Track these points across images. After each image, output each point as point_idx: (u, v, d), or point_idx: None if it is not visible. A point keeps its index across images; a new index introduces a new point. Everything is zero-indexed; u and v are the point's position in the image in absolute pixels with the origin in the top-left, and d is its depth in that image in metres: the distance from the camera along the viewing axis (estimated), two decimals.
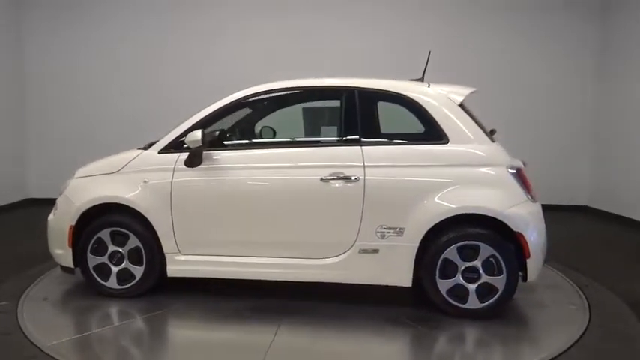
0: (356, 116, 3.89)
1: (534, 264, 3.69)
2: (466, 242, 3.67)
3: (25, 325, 3.60)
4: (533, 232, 3.66)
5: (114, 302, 4.03)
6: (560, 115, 7.79)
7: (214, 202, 3.91)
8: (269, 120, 4.48)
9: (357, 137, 3.86)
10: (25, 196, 8.10)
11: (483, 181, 3.71)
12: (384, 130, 4.16)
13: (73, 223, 4.04)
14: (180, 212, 3.93)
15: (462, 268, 3.70)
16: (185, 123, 4.00)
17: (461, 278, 3.71)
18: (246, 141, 4.34)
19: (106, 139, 7.07)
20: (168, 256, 4.00)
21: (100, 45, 7.81)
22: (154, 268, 4.02)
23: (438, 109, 3.83)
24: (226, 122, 4.18)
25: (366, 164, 3.77)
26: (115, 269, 4.07)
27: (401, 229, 3.72)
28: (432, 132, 3.84)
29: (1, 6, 7.53)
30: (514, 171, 3.75)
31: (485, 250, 3.66)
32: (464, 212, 3.64)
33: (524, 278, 3.74)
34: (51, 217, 4.24)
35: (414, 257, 3.72)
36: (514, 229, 3.63)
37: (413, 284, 3.77)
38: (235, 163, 3.93)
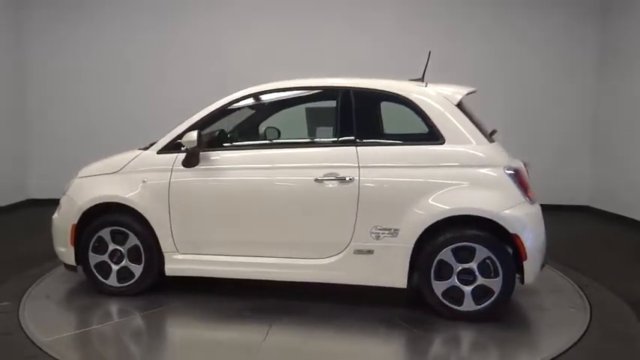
0: (351, 116, 3.88)
1: (531, 266, 3.63)
2: (461, 244, 3.63)
3: (27, 325, 3.65)
4: (530, 234, 3.60)
5: (113, 300, 4.10)
6: (561, 114, 7.76)
7: (211, 202, 3.94)
8: (268, 120, 4.51)
9: (352, 137, 3.85)
10: (27, 197, 8.11)
11: (479, 182, 3.66)
12: (380, 130, 4.14)
13: (75, 222, 4.12)
14: (178, 212, 3.98)
15: (458, 270, 3.65)
16: (183, 124, 4.05)
17: (456, 280, 3.67)
18: (244, 141, 4.37)
19: (108, 139, 7.11)
20: (166, 255, 4.05)
21: (101, 45, 7.83)
22: (153, 267, 4.08)
23: (434, 109, 3.80)
24: (226, 123, 4.22)
25: (360, 165, 3.76)
26: (115, 268, 4.14)
27: (395, 230, 3.69)
28: (428, 132, 3.81)
29: (2, 6, 7.54)
30: (511, 172, 3.69)
31: (481, 252, 3.61)
32: (458, 213, 3.60)
33: (522, 281, 3.68)
34: (55, 215, 4.34)
35: (408, 258, 3.69)
36: (510, 231, 3.57)
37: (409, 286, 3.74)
38: (232, 164, 3.96)
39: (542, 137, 7.69)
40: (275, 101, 4.39)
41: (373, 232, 3.73)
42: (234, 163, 3.96)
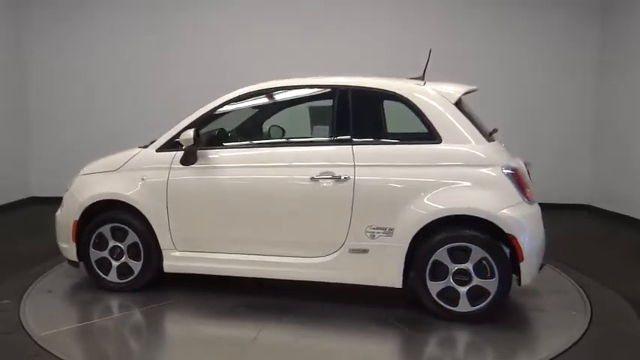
0: (348, 115, 3.86)
1: (528, 268, 3.57)
2: (457, 244, 3.58)
3: (27, 322, 3.68)
4: (527, 235, 3.54)
5: (114, 296, 4.17)
6: (561, 114, 7.72)
7: (207, 200, 3.97)
8: (265, 118, 4.52)
9: (349, 136, 3.83)
10: (28, 195, 8.12)
11: (476, 182, 3.61)
12: (377, 129, 4.11)
13: (77, 219, 4.20)
14: (176, 209, 4.02)
15: (453, 270, 3.61)
16: (181, 122, 4.08)
17: (452, 281, 3.63)
18: (241, 140, 4.39)
19: (109, 138, 7.09)
20: (164, 252, 4.10)
21: (101, 44, 7.83)
22: (152, 264, 4.13)
23: (431, 108, 3.76)
24: (223, 121, 4.24)
25: (356, 164, 3.74)
26: (115, 264, 4.20)
27: (390, 229, 3.67)
28: (425, 131, 3.77)
29: (2, 6, 7.54)
30: (509, 171, 3.63)
31: (477, 253, 3.56)
32: (452, 213, 3.56)
33: (520, 282, 3.63)
34: (58, 212, 4.42)
35: (403, 258, 3.65)
36: (506, 232, 3.52)
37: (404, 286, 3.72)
38: (228, 162, 3.98)
39: (542, 136, 7.67)
40: (272, 100, 4.38)
41: (368, 232, 3.71)
42: (231, 162, 3.98)
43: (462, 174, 3.64)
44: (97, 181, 4.22)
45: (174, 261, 4.09)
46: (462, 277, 3.60)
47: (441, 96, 3.80)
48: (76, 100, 7.98)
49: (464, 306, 3.62)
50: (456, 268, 3.60)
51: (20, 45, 7.88)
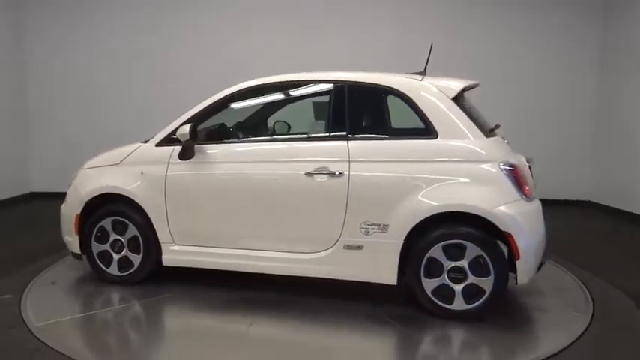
0: (344, 110, 3.84)
1: (525, 266, 3.49)
2: (451, 241, 3.53)
3: (28, 316, 3.70)
4: (524, 233, 3.46)
5: (115, 288, 4.23)
6: (563, 111, 7.69)
7: (204, 194, 4.00)
8: (263, 114, 4.52)
9: (344, 131, 3.80)
10: (29, 190, 8.13)
11: (472, 178, 3.55)
12: (374, 124, 4.07)
13: (79, 212, 4.27)
14: (174, 204, 4.05)
15: (448, 267, 3.56)
16: (180, 117, 4.12)
17: (447, 278, 3.58)
18: (239, 135, 4.40)
19: (109, 135, 7.14)
20: (163, 246, 4.14)
21: (101, 43, 7.86)
22: (151, 257, 4.18)
23: (427, 103, 3.70)
24: (222, 117, 4.25)
25: (351, 159, 3.71)
26: (116, 257, 4.26)
27: (385, 225, 3.63)
28: (421, 126, 3.72)
29: (2, 6, 7.56)
30: (507, 168, 3.56)
31: (472, 250, 3.50)
32: (446, 210, 3.50)
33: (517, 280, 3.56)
34: (63, 206, 4.50)
35: (398, 255, 3.62)
36: (502, 229, 3.45)
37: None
38: (225, 157, 4.00)
39: (544, 133, 7.64)
40: (270, 95, 4.38)
41: (363, 228, 3.68)
42: (227, 157, 4.00)
43: (459, 170, 3.58)
44: (98, 175, 4.29)
45: (173, 255, 4.13)
46: (458, 274, 3.55)
47: (438, 90, 3.74)
48: (76, 99, 8.01)
49: (459, 304, 3.57)
50: (451, 265, 3.55)
51: (20, 45, 7.90)
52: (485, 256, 3.48)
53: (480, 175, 3.55)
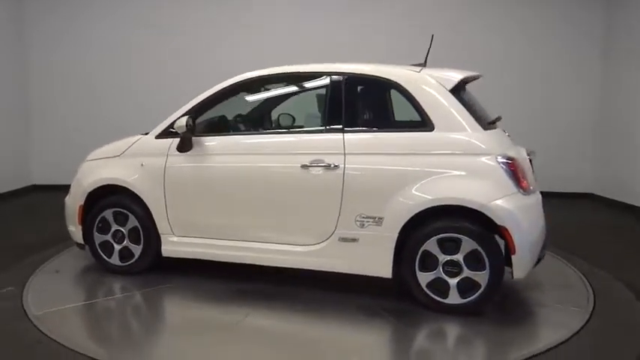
0: (340, 102, 3.81)
1: (522, 261, 3.44)
2: (446, 235, 3.50)
3: (29, 308, 3.70)
4: (520, 227, 3.41)
5: (116, 278, 4.29)
6: (565, 102, 7.64)
7: (201, 186, 4.03)
8: (261, 106, 4.52)
9: (340, 123, 3.78)
10: (30, 182, 8.15)
11: (469, 171, 3.50)
12: (370, 116, 4.04)
13: (82, 203, 4.35)
14: (172, 195, 4.09)
15: (443, 261, 3.53)
16: (180, 109, 4.14)
17: (441, 272, 3.54)
18: (236, 127, 4.42)
19: (110, 126, 7.20)
20: (163, 237, 4.19)
21: (102, 33, 7.89)
22: (151, 248, 4.23)
23: (424, 95, 3.65)
24: (221, 109, 4.26)
25: (346, 152, 3.70)
26: (117, 247, 4.33)
27: (380, 218, 3.61)
28: (418, 118, 3.68)
29: (3, 0, 7.56)
30: (504, 160, 3.50)
31: (467, 244, 3.46)
32: (441, 203, 3.47)
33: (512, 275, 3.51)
34: (67, 197, 4.58)
35: (393, 248, 3.60)
36: (498, 223, 3.40)
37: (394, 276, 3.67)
38: (222, 149, 4.01)
39: (546, 125, 7.58)
40: (267, 87, 4.38)
41: (358, 220, 3.67)
42: (225, 149, 4.01)
43: (455, 163, 3.53)
44: (100, 167, 4.36)
45: (172, 246, 4.18)
46: (453, 268, 3.51)
47: (435, 82, 3.69)
48: (77, 93, 8.04)
49: (454, 298, 3.54)
50: (446, 259, 3.52)
51: (21, 39, 7.90)
52: (481, 250, 3.44)
53: (477, 168, 3.50)
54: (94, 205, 4.35)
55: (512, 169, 3.50)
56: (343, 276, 3.84)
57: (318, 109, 4.04)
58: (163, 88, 7.64)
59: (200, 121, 4.12)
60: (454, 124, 3.59)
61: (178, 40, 7.83)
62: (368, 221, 3.65)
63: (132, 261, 4.31)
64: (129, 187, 4.19)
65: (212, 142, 4.04)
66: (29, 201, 7.64)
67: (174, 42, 7.83)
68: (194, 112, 4.05)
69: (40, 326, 3.44)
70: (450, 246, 3.51)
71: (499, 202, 3.41)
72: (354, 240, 3.70)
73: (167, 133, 4.14)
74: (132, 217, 4.23)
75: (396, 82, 3.75)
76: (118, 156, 4.30)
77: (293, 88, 4.39)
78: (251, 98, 4.51)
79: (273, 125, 4.51)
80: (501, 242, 3.52)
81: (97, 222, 4.33)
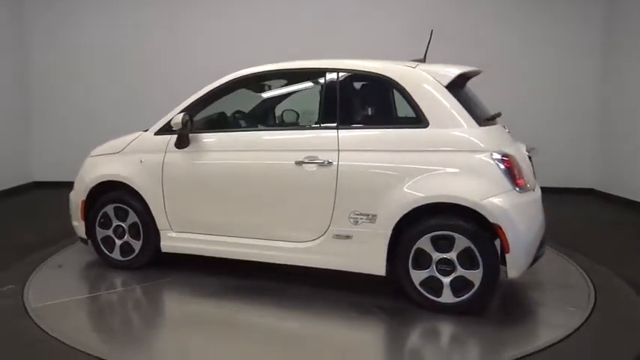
0: (335, 98, 3.79)
1: (515, 260, 3.37)
2: (440, 232, 3.45)
3: (30, 304, 3.73)
4: (515, 225, 3.34)
5: (116, 272, 4.37)
6: (567, 97, 7.57)
7: (197, 182, 4.06)
8: (258, 102, 4.52)
9: (334, 120, 3.76)
10: (31, 179, 8.23)
11: (463, 168, 3.44)
12: (365, 113, 4.01)
13: (84, 198, 4.43)
14: (170, 191, 4.13)
15: (437, 259, 3.48)
16: (179, 106, 4.18)
17: (435, 270, 3.50)
18: (233, 124, 4.43)
19: (111, 123, 7.31)
20: (161, 233, 4.24)
21: (103, 37, 7.97)
22: (150, 243, 4.29)
23: (419, 91, 3.61)
24: (218, 106, 4.28)
25: (340, 148, 3.68)
26: (118, 242, 4.39)
27: (373, 215, 3.59)
28: (412, 115, 3.64)
29: (3, 0, 7.60)
30: (499, 157, 3.43)
31: (461, 242, 3.41)
32: (433, 201, 3.42)
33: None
34: (71, 192, 4.67)
35: (386, 245, 3.57)
36: (491, 221, 3.34)
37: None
38: (219, 146, 4.04)
39: (547, 120, 7.52)
40: (263, 84, 4.39)
41: (351, 217, 3.65)
42: (221, 145, 4.03)
43: (449, 160, 3.48)
44: (101, 163, 4.43)
45: (171, 241, 4.22)
46: (446, 266, 3.47)
47: (430, 78, 3.63)
48: (77, 93, 8.09)
49: (447, 297, 3.49)
50: (439, 257, 3.47)
51: (21, 39, 7.95)
52: (474, 249, 3.39)
53: (471, 165, 3.45)
54: (97, 201, 4.43)
55: (508, 166, 3.43)
56: (338, 273, 3.82)
57: (313, 105, 4.02)
58: (164, 88, 7.66)
59: (201, 117, 4.15)
60: (449, 121, 3.53)
61: (179, 40, 7.88)
62: (361, 218, 3.62)
63: (132, 256, 4.37)
64: (128, 183, 4.24)
65: (209, 138, 4.07)
66: (30, 198, 7.69)
67: (175, 42, 7.88)
68: (191, 109, 4.08)
69: (40, 322, 3.47)
70: (443, 244, 3.47)
71: (493, 199, 3.35)
72: (347, 237, 3.68)
73: (166, 130, 4.18)
74: (132, 213, 4.29)
75: (390, 78, 3.71)
76: (119, 152, 4.36)
77: (289, 85, 4.38)
78: (250, 94, 4.52)
79: (270, 121, 4.51)
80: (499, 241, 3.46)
81: (99, 217, 4.40)
